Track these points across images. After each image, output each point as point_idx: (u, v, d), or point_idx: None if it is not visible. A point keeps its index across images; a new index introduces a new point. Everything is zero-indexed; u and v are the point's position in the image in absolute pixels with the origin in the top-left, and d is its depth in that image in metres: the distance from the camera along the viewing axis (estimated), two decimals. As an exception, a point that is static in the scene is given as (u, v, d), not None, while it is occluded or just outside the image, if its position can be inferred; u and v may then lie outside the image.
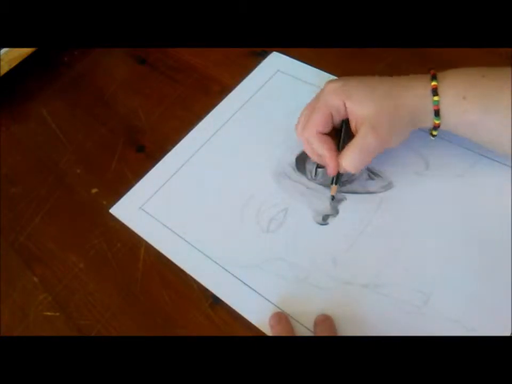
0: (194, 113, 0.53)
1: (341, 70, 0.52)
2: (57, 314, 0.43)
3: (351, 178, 0.44)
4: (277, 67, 0.55)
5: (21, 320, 0.43)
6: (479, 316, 0.35)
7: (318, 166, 0.45)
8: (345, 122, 0.42)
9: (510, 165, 0.42)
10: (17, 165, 0.54)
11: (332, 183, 0.42)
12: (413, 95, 0.39)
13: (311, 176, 0.45)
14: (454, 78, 0.39)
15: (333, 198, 0.43)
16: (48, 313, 0.43)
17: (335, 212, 0.43)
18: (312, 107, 0.42)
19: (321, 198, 0.44)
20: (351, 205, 0.43)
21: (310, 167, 0.46)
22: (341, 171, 0.41)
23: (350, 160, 0.39)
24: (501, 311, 0.35)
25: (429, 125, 0.40)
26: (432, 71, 0.39)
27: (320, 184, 0.44)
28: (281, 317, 0.38)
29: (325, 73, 0.52)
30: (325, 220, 0.42)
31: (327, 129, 0.41)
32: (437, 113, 0.38)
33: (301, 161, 0.46)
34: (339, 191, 0.43)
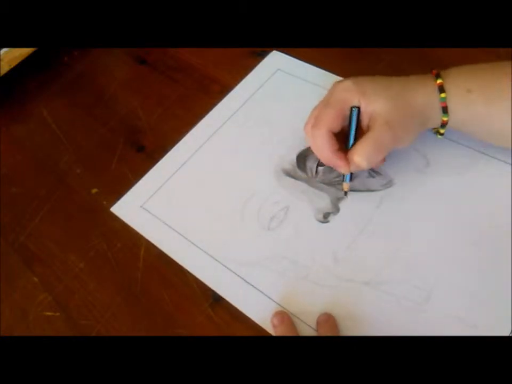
0: (194, 113, 0.53)
1: (341, 69, 0.52)
2: (57, 314, 0.43)
3: (351, 176, 0.44)
4: (277, 66, 0.55)
5: (21, 320, 0.43)
6: (480, 313, 0.35)
7: (319, 164, 0.45)
8: (352, 118, 0.40)
9: (510, 162, 0.42)
10: (17, 165, 0.54)
11: (343, 181, 0.42)
12: (421, 94, 0.39)
13: (312, 174, 0.45)
14: (457, 74, 0.40)
15: (345, 193, 0.43)
16: (48, 313, 0.43)
17: (336, 209, 0.43)
18: (323, 105, 0.42)
19: (322, 196, 0.44)
20: (352, 202, 0.43)
21: (311, 165, 0.46)
22: (352, 168, 0.40)
23: (364, 155, 0.39)
24: (501, 308, 0.35)
25: (437, 123, 0.40)
26: (434, 71, 0.40)
27: (321, 182, 0.45)
28: (284, 316, 0.38)
29: (326, 72, 0.52)
30: (325, 217, 0.42)
31: (338, 127, 0.41)
32: (444, 110, 0.39)
33: (302, 159, 0.46)
34: (340, 189, 0.44)
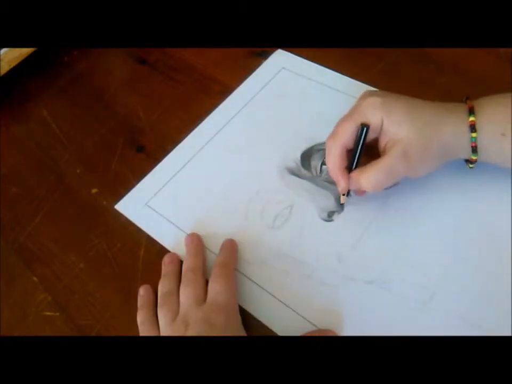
0: (194, 113, 0.53)
1: (342, 68, 0.52)
2: (57, 314, 0.42)
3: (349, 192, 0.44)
4: (281, 64, 0.55)
5: (21, 320, 0.43)
6: (484, 313, 0.35)
7: (323, 163, 0.45)
8: (360, 137, 0.38)
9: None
10: (17, 165, 0.54)
11: (343, 194, 0.41)
12: (450, 129, 0.37)
13: (316, 173, 0.45)
14: (492, 111, 0.37)
15: (342, 205, 0.43)
16: (48, 313, 0.43)
17: (340, 208, 0.43)
18: (346, 117, 0.40)
19: (326, 194, 0.44)
20: (357, 201, 0.43)
21: (315, 164, 0.46)
22: (353, 186, 0.39)
23: (372, 179, 0.38)
24: (505, 308, 0.35)
25: (463, 157, 0.39)
26: (469, 103, 0.37)
27: (325, 180, 0.45)
28: (194, 237, 0.42)
29: (330, 71, 0.52)
30: (330, 216, 0.42)
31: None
32: (474, 150, 0.37)
33: (306, 157, 0.46)
34: None
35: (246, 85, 0.54)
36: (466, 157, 0.39)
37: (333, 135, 0.40)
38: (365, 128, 0.38)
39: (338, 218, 0.42)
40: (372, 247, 0.40)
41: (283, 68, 0.54)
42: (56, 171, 0.52)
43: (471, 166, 0.40)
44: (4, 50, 0.56)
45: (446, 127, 0.37)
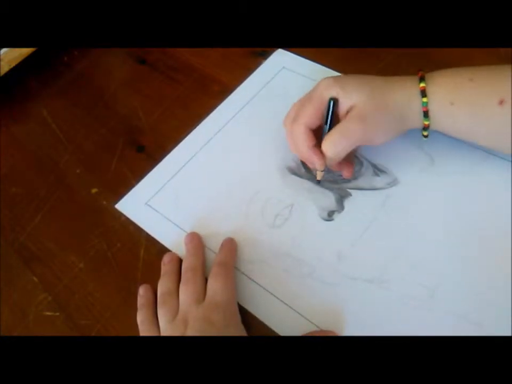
0: (194, 113, 0.53)
1: (342, 68, 0.52)
2: (57, 314, 0.42)
3: (356, 175, 0.44)
4: (282, 64, 0.55)
5: (21, 320, 0.43)
6: (484, 311, 0.35)
7: None
8: (328, 110, 0.41)
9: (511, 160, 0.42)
10: (17, 165, 0.54)
11: (321, 171, 0.42)
12: (402, 94, 0.39)
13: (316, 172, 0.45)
14: (441, 80, 0.39)
15: (318, 182, 0.44)
16: (48, 313, 0.43)
17: (341, 207, 0.43)
18: (304, 101, 0.42)
19: (327, 194, 0.44)
20: (357, 201, 0.43)
21: None
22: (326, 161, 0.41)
23: (330, 143, 0.39)
24: (506, 308, 0.35)
25: (418, 125, 0.40)
26: (420, 73, 0.40)
27: (326, 180, 0.45)
28: (193, 236, 0.42)
29: (330, 70, 0.52)
30: (330, 215, 0.42)
31: (316, 123, 0.41)
32: (425, 114, 0.39)
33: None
34: (346, 188, 0.44)
35: (246, 85, 0.54)
36: (419, 125, 0.40)
37: (295, 119, 0.42)
38: (333, 101, 0.40)
39: (338, 218, 0.42)
40: (372, 247, 0.40)
41: (283, 67, 0.54)
42: (56, 171, 0.52)
43: (425, 134, 0.41)
44: (4, 50, 0.56)
45: (396, 93, 0.39)
